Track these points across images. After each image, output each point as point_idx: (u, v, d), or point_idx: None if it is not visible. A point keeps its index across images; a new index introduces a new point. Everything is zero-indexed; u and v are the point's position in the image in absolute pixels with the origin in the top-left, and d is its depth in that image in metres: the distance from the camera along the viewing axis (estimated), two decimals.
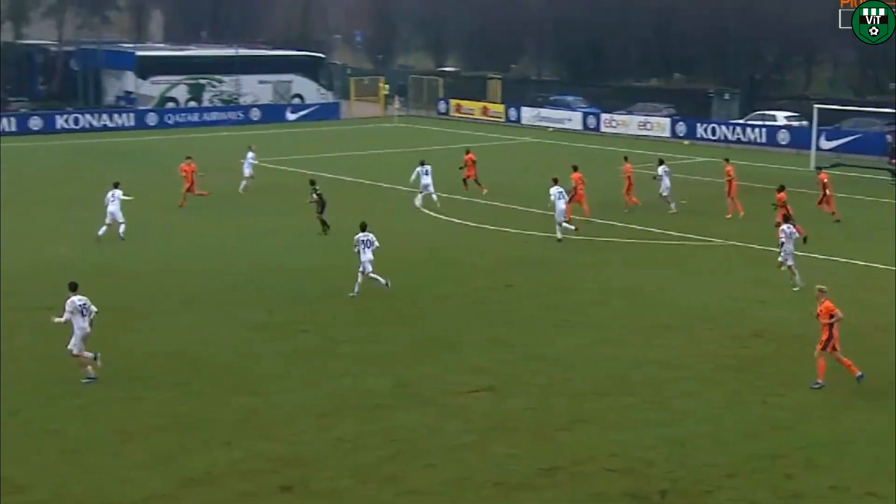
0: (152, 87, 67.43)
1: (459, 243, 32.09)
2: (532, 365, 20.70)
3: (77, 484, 15.28)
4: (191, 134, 60.87)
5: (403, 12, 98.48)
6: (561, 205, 31.73)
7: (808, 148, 50.81)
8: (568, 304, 25.37)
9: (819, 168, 36.38)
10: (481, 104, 72.30)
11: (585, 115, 66.18)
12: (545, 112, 68.37)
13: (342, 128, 65.60)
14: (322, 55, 78.56)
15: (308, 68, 73.96)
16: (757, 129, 58.22)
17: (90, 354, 19.43)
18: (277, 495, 15.01)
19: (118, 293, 25.48)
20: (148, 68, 67.46)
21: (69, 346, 19.28)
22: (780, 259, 26.20)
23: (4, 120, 59.28)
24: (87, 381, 19.33)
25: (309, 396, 18.80)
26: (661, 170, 36.74)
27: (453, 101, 73.22)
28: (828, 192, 34.91)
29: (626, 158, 38.14)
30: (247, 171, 40.23)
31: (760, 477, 15.69)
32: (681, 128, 61.21)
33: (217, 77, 69.89)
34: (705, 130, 60.27)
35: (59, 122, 60.83)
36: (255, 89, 70.95)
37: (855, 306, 21.99)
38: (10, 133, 57.87)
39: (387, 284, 25.48)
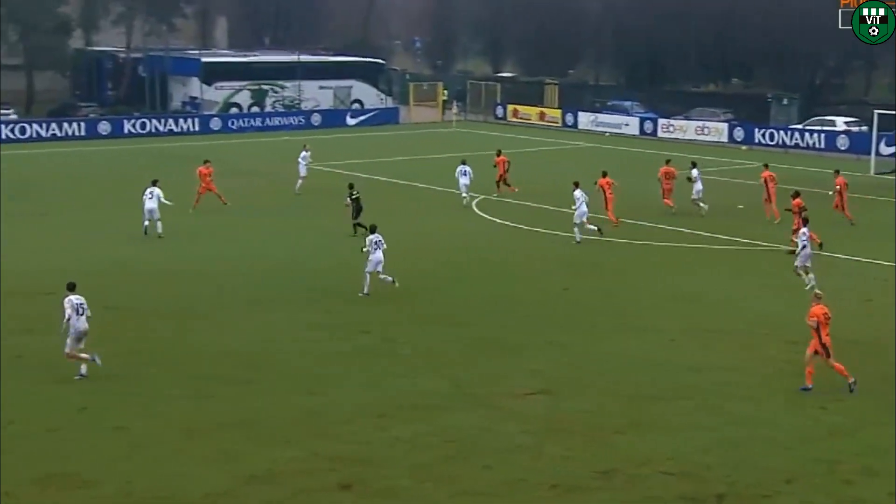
0: (216, 93, 68.42)
1: (514, 246, 32.26)
2: (588, 368, 20.82)
3: (143, 479, 15.67)
4: (253, 139, 61.74)
5: (462, 18, 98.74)
6: (583, 208, 31.81)
7: (868, 153, 50.21)
8: (624, 307, 25.43)
9: (838, 171, 36.42)
10: (538, 109, 72.35)
11: (642, 119, 65.96)
12: (602, 117, 68.24)
13: (401, 132, 66.04)
14: (382, 61, 79.13)
15: (368, 74, 74.54)
16: (816, 135, 57.61)
17: (87, 356, 19.83)
18: (336, 493, 15.27)
19: (182, 294, 26.08)
20: (213, 74, 68.46)
21: (66, 344, 19.73)
22: (796, 264, 26.30)
23: (75, 125, 60.55)
24: (79, 377, 19.76)
25: (367, 396, 19.09)
26: (694, 172, 36.91)
27: (511, 106, 73.36)
28: (843, 195, 34.93)
29: (668, 161, 38.33)
30: (302, 172, 40.75)
31: (818, 482, 15.67)
32: (738, 133, 60.75)
33: (279, 83, 70.71)
34: (763, 135, 59.75)
35: (127, 126, 61.95)
36: (316, 95, 71.67)
37: None
38: (80, 138, 59.12)
39: (394, 282, 25.93)
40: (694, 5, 75.13)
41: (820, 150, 56.37)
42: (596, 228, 32.15)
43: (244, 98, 69.45)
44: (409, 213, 37.48)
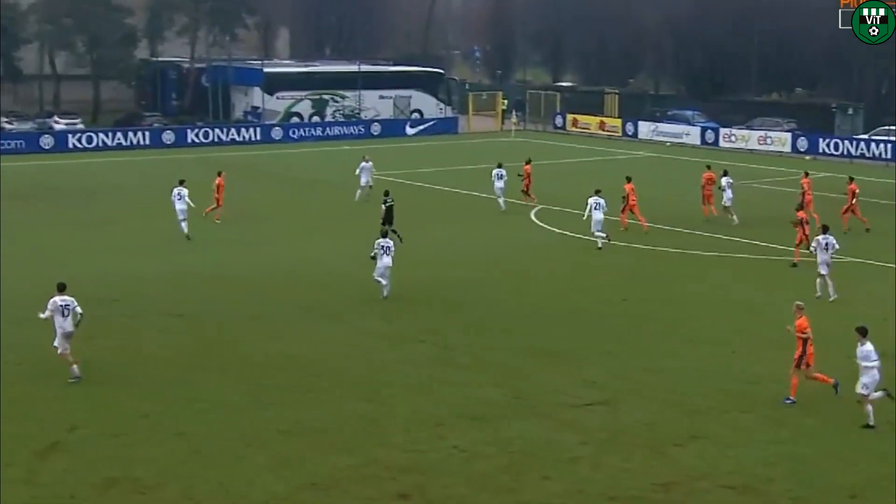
0: (278, 103, 69.11)
1: (572, 256, 32.18)
2: (647, 379, 20.68)
3: (203, 484, 15.85)
4: (313, 148, 62.26)
5: (522, 28, 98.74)
6: (598, 215, 32.15)
7: None
8: (683, 318, 25.23)
9: (852, 178, 36.18)
10: (598, 119, 72.08)
11: (704, 129, 65.41)
12: (663, 126, 67.80)
13: (460, 142, 66.17)
14: (441, 71, 79.39)
15: (427, 84, 74.82)
16: (882, 145, 56.66)
17: (72, 359, 20.17)
18: (394, 502, 15.32)
19: (241, 301, 26.37)
20: (274, 84, 69.17)
21: (54, 344, 20.15)
22: (819, 270, 26.47)
23: (140, 134, 61.57)
24: (73, 380, 20.07)
25: (425, 405, 19.14)
26: (724, 181, 36.73)
27: (570, 116, 73.18)
28: (854, 200, 34.85)
29: (708, 167, 38.29)
30: (363, 181, 41.01)
31: (886, 499, 15.40)
32: (802, 143, 59.97)
33: (340, 92, 71.24)
34: (828, 146, 58.94)
35: (190, 136, 62.80)
36: (375, 104, 72.11)
37: None
38: (145, 146, 60.08)
39: (387, 296, 26.20)
40: (756, 14, 74.42)
41: (886, 160, 55.45)
42: (605, 236, 32.46)
43: (305, 108, 70.07)
44: (467, 222, 37.55)
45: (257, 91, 68.82)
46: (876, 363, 17.80)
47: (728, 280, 29.09)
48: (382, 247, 26.37)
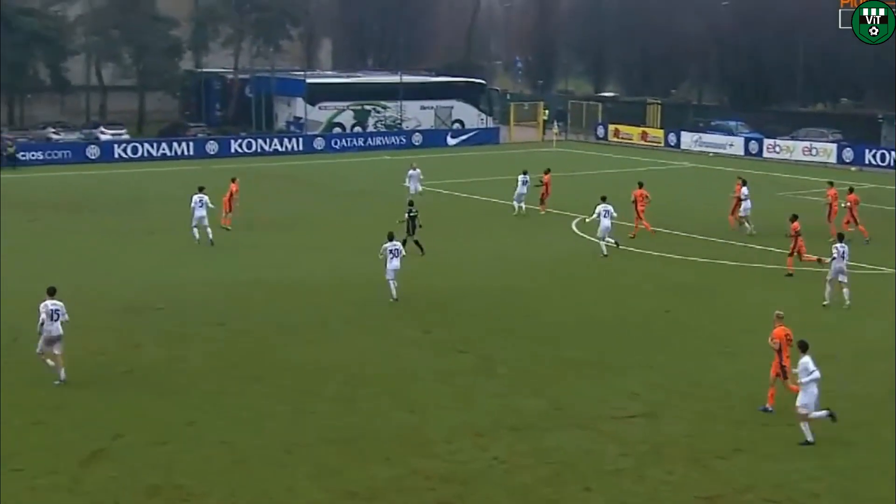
0: (320, 113, 69.52)
1: (614, 266, 32.04)
2: (690, 391, 20.55)
3: (246, 493, 15.95)
4: (355, 158, 62.54)
5: (564, 38, 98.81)
6: (606, 222, 32.55)
7: None
8: (726, 330, 25.04)
9: (851, 189, 36.44)
10: (640, 129, 71.82)
11: (747, 140, 64.96)
12: (706, 137, 67.41)
13: (501, 152, 66.15)
14: (483, 81, 79.45)
15: (469, 94, 74.93)
16: None
17: (54, 364, 20.52)
18: None
19: (283, 309, 26.53)
20: (317, 95, 69.57)
21: (37, 351, 20.64)
22: (828, 278, 26.84)
23: (184, 144, 62.19)
24: (58, 383, 20.39)
25: (465, 415, 19.14)
26: (744, 191, 36.78)
27: (612, 126, 72.98)
28: (854, 212, 35.18)
29: (741, 178, 38.26)
30: (412, 188, 41.74)
31: None
32: (848, 154, 59.37)
33: (381, 103, 71.53)
34: (874, 157, 58.30)
35: (234, 146, 63.32)
36: (417, 115, 72.33)
37: None
38: (189, 157, 60.64)
39: (396, 298, 26.86)
40: (801, 24, 73.86)
41: None
42: (614, 242, 32.86)
43: (347, 118, 70.42)
44: (507, 231, 37.55)
45: (300, 102, 69.28)
46: (814, 377, 17.62)
47: (770, 292, 28.80)
48: (391, 250, 27.10)
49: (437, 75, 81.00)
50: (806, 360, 17.71)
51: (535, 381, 21.12)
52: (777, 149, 62.95)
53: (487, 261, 32.63)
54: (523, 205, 40.21)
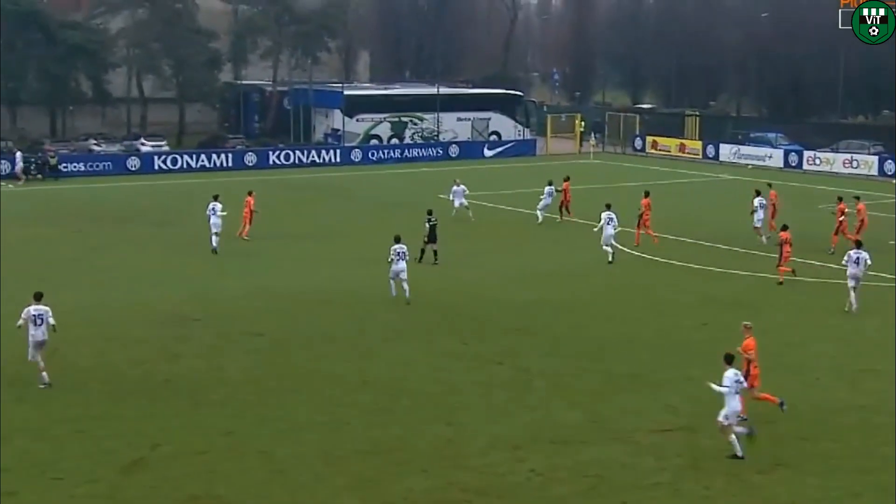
0: (358, 125, 69.85)
1: (652, 279, 31.92)
2: None
3: (284, 503, 16.04)
4: (392, 170, 62.73)
5: (601, 50, 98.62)
6: (609, 230, 33.51)
7: None
8: (767, 345, 24.69)
9: (857, 198, 36.94)
10: (678, 141, 71.50)
11: (787, 152, 64.48)
12: (745, 149, 67.00)
13: (538, 164, 66.06)
14: (520, 93, 79.50)
15: (506, 106, 74.98)
16: None
17: (42, 366, 20.89)
18: None
19: (319, 320, 26.66)
20: (354, 107, 69.91)
21: (29, 358, 21.01)
22: (849, 285, 27.36)
23: (223, 156, 62.72)
24: (43, 386, 20.71)
25: (503, 428, 19.12)
26: (756, 202, 37.24)
27: (650, 138, 72.70)
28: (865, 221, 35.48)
29: (770, 185, 39.10)
30: (457, 203, 42.28)
31: None
32: (889, 166, 58.80)
33: (418, 115, 71.75)
34: None
35: (272, 158, 63.74)
36: (454, 126, 72.46)
37: None
38: (227, 168, 61.10)
39: (408, 298, 27.88)
40: (842, 34, 73.21)
41: None
42: (610, 254, 33.47)
43: (384, 130, 70.68)
44: (543, 243, 37.49)
45: (337, 113, 69.63)
46: (739, 388, 17.69)
47: (807, 305, 28.60)
48: (397, 252, 28.14)
49: (475, 87, 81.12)
50: (731, 372, 17.81)
51: (572, 394, 21.06)
52: (817, 161, 62.44)
53: (524, 273, 32.59)
54: (545, 214, 41.20)
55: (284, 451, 18.00)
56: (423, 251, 33.31)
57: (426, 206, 42.82)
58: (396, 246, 28.25)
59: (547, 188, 41.80)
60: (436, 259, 33.23)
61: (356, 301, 28.87)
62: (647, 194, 37.07)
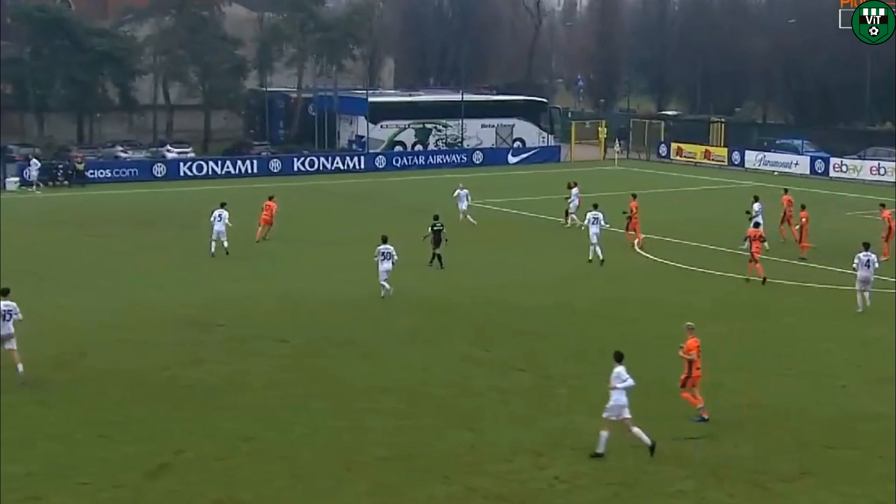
0: (382, 132, 70.00)
1: (675, 285, 31.81)
2: (752, 413, 20.27)
3: None
4: (416, 176, 62.80)
5: (626, 57, 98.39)
6: (594, 228, 34.22)
7: None
8: (791, 351, 24.68)
9: (883, 205, 36.79)
10: (703, 147, 71.21)
11: (813, 159, 64.08)
12: (770, 156, 66.66)
13: (562, 171, 65.88)
14: (544, 99, 79.43)
15: (530, 112, 74.92)
16: None
17: (16, 359, 21.15)
18: None
19: (341, 326, 26.70)
20: (378, 113, 70.05)
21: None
22: (857, 288, 27.81)
23: (248, 162, 63.01)
24: (21, 383, 20.95)
25: (525, 434, 19.07)
26: (756, 207, 37.43)
27: (674, 145, 72.46)
28: (892, 228, 35.12)
29: (785, 190, 39.57)
30: (462, 206, 42.41)
31: None
32: None
33: (442, 121, 71.82)
34: None
35: (296, 164, 63.98)
36: (478, 133, 72.47)
37: None
38: (252, 175, 61.40)
39: (387, 293, 28.94)
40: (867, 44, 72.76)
41: None
42: (590, 255, 34.22)
43: (408, 136, 70.78)
44: (567, 249, 37.36)
45: (362, 120, 69.78)
46: (627, 385, 17.84)
47: (832, 311, 28.41)
48: (382, 253, 29.03)
49: (499, 94, 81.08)
50: (619, 369, 17.98)
51: (594, 401, 20.88)
52: (844, 168, 62.04)
53: (547, 278, 32.53)
54: (574, 217, 41.29)
55: (306, 456, 18.01)
56: (433, 255, 33.67)
57: (449, 214, 42.96)
58: (382, 247, 29.16)
59: (573, 190, 41.88)
60: (441, 264, 33.31)
61: (375, 305, 28.91)
62: (634, 196, 37.85)
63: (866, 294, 28.04)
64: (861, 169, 61.19)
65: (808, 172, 63.06)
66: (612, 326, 26.77)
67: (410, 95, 76.83)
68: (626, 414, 17.79)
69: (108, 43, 69.53)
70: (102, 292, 30.43)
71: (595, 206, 35.30)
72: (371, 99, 71.15)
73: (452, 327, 26.61)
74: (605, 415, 17.87)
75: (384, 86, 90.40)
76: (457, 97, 73.25)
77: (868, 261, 27.75)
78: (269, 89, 77.01)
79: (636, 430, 17.73)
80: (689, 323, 20.20)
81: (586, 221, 35.19)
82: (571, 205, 42.10)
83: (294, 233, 40.19)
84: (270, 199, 39.15)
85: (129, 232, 41.66)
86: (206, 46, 71.82)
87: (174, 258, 36.05)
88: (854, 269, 28.33)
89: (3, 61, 66.75)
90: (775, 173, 63.41)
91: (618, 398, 17.78)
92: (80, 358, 23.78)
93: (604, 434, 17.77)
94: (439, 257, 33.56)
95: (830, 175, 61.91)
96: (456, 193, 43.01)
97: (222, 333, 26.02)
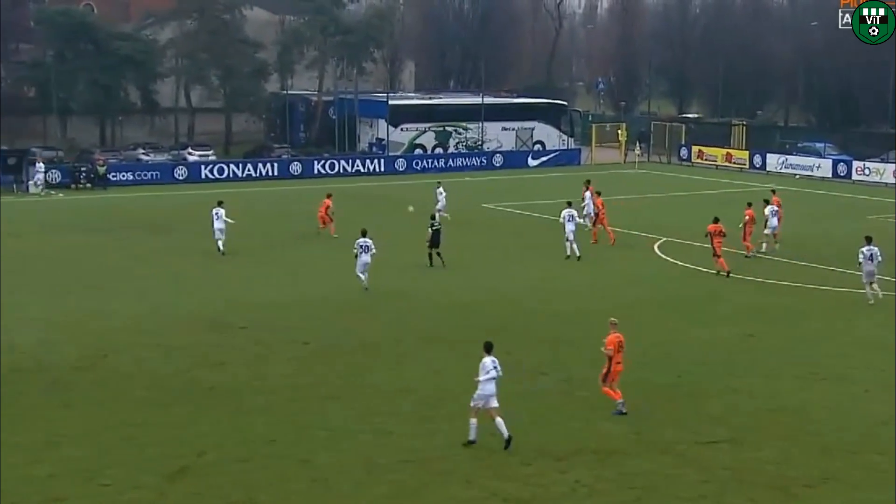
0: (402, 135, 70.06)
1: (696, 289, 31.69)
2: (774, 417, 20.18)
3: None
4: (436, 179, 62.62)
5: (646, 60, 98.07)
6: (570, 226, 35.34)
7: None
8: (812, 355, 24.55)
9: None
10: (724, 150, 70.92)
11: (836, 162, 63.72)
12: (792, 159, 66.31)
13: (582, 174, 65.67)
14: (564, 102, 79.28)
15: (550, 115, 74.83)
16: None
17: None
18: None
19: (361, 329, 26.72)
20: (399, 116, 70.10)
21: None
22: (864, 281, 28.40)
23: (269, 165, 63.21)
24: None
25: (546, 438, 19.03)
26: (768, 210, 37.17)
27: (695, 148, 72.15)
28: None
29: (773, 191, 39.59)
30: (440, 205, 43.21)
31: None
32: None
33: (463, 124, 71.81)
34: None
35: (317, 167, 64.11)
36: (498, 136, 72.43)
37: None
38: (273, 178, 61.55)
39: (366, 289, 29.82)
40: (890, 43, 72.30)
41: None
42: (568, 254, 35.28)
43: (428, 139, 70.81)
44: (589, 253, 37.29)
45: (382, 123, 69.87)
46: (492, 375, 18.20)
47: (854, 315, 28.24)
48: (361, 246, 29.96)
49: (519, 97, 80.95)
50: (487, 360, 18.40)
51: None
52: (867, 171, 61.66)
53: (569, 282, 32.48)
54: (586, 222, 40.87)
55: (326, 459, 18.04)
56: (430, 255, 34.11)
57: (470, 216, 43.09)
58: (361, 240, 30.08)
59: (587, 193, 41.54)
60: (443, 262, 33.90)
61: (392, 308, 28.95)
62: (598, 193, 39.04)
63: (874, 285, 28.62)
64: (884, 172, 60.79)
65: (830, 175, 62.72)
66: (631, 331, 26.52)
67: (431, 98, 76.85)
68: (494, 403, 18.31)
69: (131, 46, 69.84)
70: (124, 295, 30.57)
71: (569, 204, 36.36)
72: (391, 102, 71.21)
73: (472, 330, 26.53)
74: (472, 403, 18.42)
75: (405, 89, 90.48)
76: (477, 100, 73.23)
77: (871, 254, 28.30)
78: (289, 92, 77.20)
79: (499, 420, 18.23)
80: (612, 319, 20.60)
81: (561, 219, 35.78)
82: (586, 208, 41.90)
83: (313, 235, 40.32)
84: (328, 196, 40.63)
85: (151, 234, 41.83)
86: (227, 49, 72.04)
87: (195, 260, 36.17)
88: (860, 263, 28.88)
89: (26, 65, 67.03)
90: (797, 176, 63.10)
91: (484, 387, 18.28)
92: (103, 360, 23.90)
93: (473, 422, 18.35)
94: (439, 255, 33.79)
95: (853, 178, 61.54)
96: (438, 192, 43.73)
97: (244, 336, 26.09)
